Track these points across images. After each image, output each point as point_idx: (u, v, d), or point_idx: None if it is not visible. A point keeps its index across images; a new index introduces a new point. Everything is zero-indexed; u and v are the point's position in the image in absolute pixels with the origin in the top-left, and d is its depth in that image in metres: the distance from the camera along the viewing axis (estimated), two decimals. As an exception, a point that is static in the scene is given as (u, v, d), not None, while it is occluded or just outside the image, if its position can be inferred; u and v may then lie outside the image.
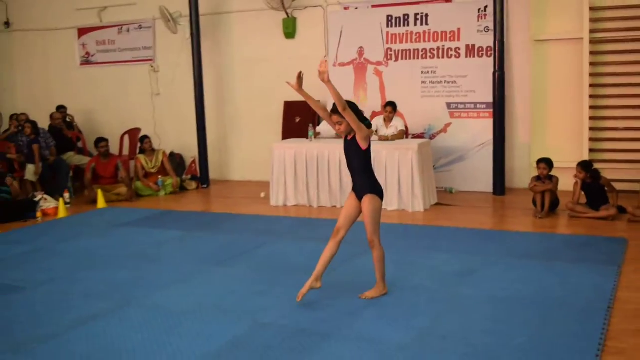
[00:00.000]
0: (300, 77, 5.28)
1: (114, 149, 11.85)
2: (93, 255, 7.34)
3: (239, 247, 7.37)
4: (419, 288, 5.75)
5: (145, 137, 11.34)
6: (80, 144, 12.50)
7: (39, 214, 9.49)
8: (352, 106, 5.18)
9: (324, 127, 10.17)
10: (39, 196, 9.91)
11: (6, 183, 9.52)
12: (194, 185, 11.56)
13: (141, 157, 11.20)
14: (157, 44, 12.82)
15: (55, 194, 10.28)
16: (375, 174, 5.48)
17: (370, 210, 5.29)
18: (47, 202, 9.82)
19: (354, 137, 5.26)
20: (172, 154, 12.18)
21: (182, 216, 9.37)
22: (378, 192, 5.35)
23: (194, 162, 12.17)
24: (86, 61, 13.63)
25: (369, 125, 5.37)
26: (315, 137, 9.89)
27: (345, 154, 5.44)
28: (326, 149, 9.45)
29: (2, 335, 4.98)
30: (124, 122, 12.79)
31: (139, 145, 11.62)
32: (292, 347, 4.54)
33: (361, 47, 11.06)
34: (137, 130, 12.53)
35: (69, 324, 5.19)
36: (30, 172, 10.70)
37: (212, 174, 12.03)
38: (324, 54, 11.22)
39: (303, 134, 10.33)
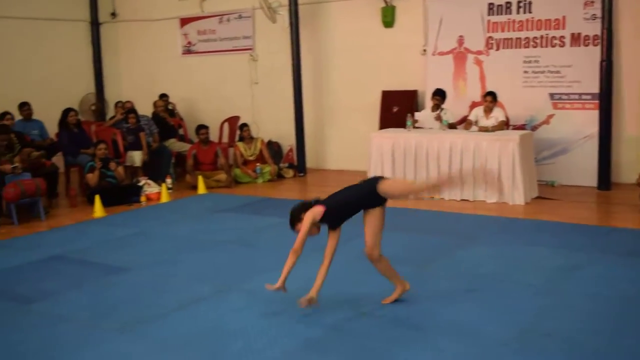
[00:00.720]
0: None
1: (213, 136, 12.10)
2: (194, 239, 7.54)
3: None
4: (520, 283, 5.62)
5: (245, 124, 11.53)
6: (181, 131, 12.83)
7: (142, 199, 9.84)
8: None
9: (423, 116, 10.07)
10: (142, 181, 10.28)
11: (110, 168, 9.87)
12: (290, 173, 11.68)
13: (240, 145, 11.41)
14: (256, 33, 12.99)
15: (158, 180, 10.63)
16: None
17: (379, 224, 5.21)
18: (150, 187, 10.17)
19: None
20: (269, 142, 12.35)
21: (280, 203, 9.45)
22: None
23: (291, 150, 12.30)
24: (187, 50, 13.96)
25: (315, 200, 5.10)
26: (413, 127, 9.80)
27: None
28: (424, 139, 9.35)
29: (109, 315, 5.19)
30: (223, 110, 13.04)
31: (238, 132, 11.84)
32: (391, 337, 4.53)
33: (461, 36, 10.86)
34: (236, 118, 12.77)
35: (173, 306, 5.35)
36: (137, 158, 11.07)
37: (309, 163, 12.12)
38: (422, 43, 11.11)
39: (400, 124, 10.26)
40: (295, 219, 5.01)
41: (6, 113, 10.40)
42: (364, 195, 5.06)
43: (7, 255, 7.24)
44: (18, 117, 10.96)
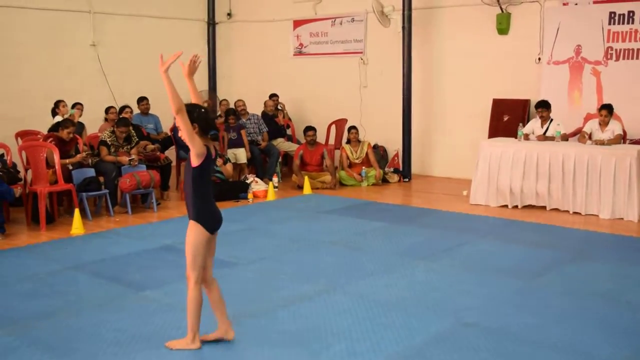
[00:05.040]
0: (194, 63, 4.42)
1: (320, 137, 12.22)
2: (299, 238, 7.64)
3: (441, 244, 7.33)
4: (634, 303, 5.39)
5: (353, 127, 11.59)
6: (289, 131, 13.01)
7: (250, 195, 10.05)
8: (191, 111, 4.21)
9: (531, 128, 9.82)
10: (250, 178, 10.50)
11: (217, 164, 10.12)
12: (395, 178, 11.65)
13: (347, 147, 11.47)
14: (367, 37, 13.02)
15: (265, 178, 10.84)
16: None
17: (189, 240, 4.40)
18: (257, 185, 10.39)
19: None
20: (375, 146, 12.35)
21: (384, 208, 9.47)
22: (203, 220, 4.38)
23: (397, 155, 12.26)
24: (299, 52, 14.15)
25: (214, 137, 4.52)
26: (525, 137, 9.57)
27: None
28: (535, 151, 9.10)
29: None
30: (331, 112, 13.14)
31: (345, 135, 11.89)
32: (500, 352, 4.43)
33: (578, 45, 10.53)
34: (344, 120, 12.84)
35: (278, 303, 5.44)
36: (242, 155, 11.31)
37: (414, 168, 12.05)
38: (537, 51, 10.84)
39: (510, 133, 10.04)
40: (188, 112, 4.14)
41: (126, 106, 10.87)
42: None
43: (121, 243, 7.56)
44: (136, 111, 11.43)
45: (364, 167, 11.29)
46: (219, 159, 10.21)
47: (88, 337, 4.77)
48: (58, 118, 10.29)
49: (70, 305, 5.49)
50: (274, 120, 12.51)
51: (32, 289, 5.96)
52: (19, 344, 4.69)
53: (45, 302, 5.57)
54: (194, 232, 4.38)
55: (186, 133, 4.13)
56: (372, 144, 12.01)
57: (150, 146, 10.19)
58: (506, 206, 9.26)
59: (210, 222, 4.40)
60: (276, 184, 10.66)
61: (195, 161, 4.26)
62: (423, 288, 5.80)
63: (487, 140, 10.21)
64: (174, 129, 11.08)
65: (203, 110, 4.34)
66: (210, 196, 4.47)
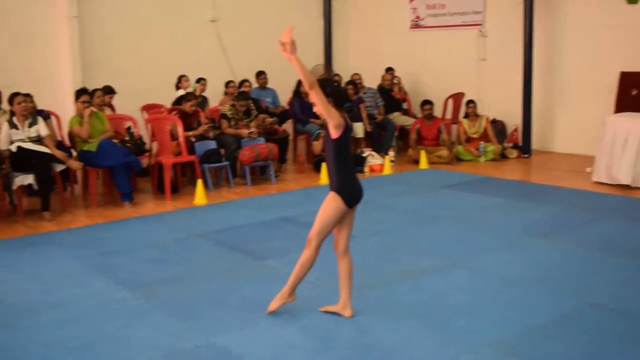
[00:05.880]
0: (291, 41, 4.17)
1: (437, 111, 12.05)
2: (417, 213, 7.61)
3: (563, 221, 7.11)
4: None
5: (471, 101, 11.37)
6: (405, 105, 12.91)
7: (366, 169, 10.08)
8: (325, 85, 4.29)
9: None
10: (366, 152, 10.51)
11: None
12: (514, 153, 11.35)
13: (464, 122, 11.27)
14: (487, 9, 12.68)
15: (381, 152, 10.83)
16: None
17: (324, 208, 4.45)
18: (374, 159, 10.39)
19: None
20: (494, 121, 12.06)
21: (503, 183, 9.26)
22: (344, 193, 4.42)
23: (516, 130, 11.93)
24: (416, 25, 13.96)
25: (349, 109, 4.50)
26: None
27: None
28: (667, 126, 8.64)
29: (335, 277, 5.34)
30: (448, 86, 12.92)
31: (462, 109, 11.69)
32: (631, 336, 4.26)
33: None
34: (461, 94, 12.62)
35: (397, 276, 5.45)
36: (359, 129, 11.32)
37: (534, 144, 11.69)
38: (671, 22, 10.25)
39: (639, 108, 9.56)
40: (321, 86, 4.23)
41: (245, 80, 11.09)
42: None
43: (242, 214, 7.76)
44: (255, 85, 11.64)
45: (482, 142, 11.07)
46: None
47: (213, 303, 4.95)
48: (180, 92, 10.63)
49: (195, 272, 5.70)
50: (390, 94, 12.44)
51: (159, 255, 6.23)
52: (149, 307, 4.92)
53: (171, 268, 5.82)
54: (331, 202, 4.45)
55: (322, 106, 4.21)
56: (491, 119, 11.74)
57: (269, 119, 10.37)
58: (629, 186, 8.81)
59: (350, 195, 4.46)
60: (392, 158, 10.63)
61: (334, 133, 4.32)
62: (545, 266, 5.66)
63: (613, 115, 9.76)
64: (292, 103, 11.23)
65: (336, 84, 4.42)
66: (352, 168, 4.53)
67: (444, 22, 13.45)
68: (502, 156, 11.22)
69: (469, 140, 11.19)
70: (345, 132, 4.34)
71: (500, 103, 12.34)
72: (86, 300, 5.08)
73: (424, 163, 10.49)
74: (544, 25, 11.63)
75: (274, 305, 4.66)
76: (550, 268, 5.60)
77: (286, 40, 4.12)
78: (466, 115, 11.39)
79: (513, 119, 12.03)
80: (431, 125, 11.14)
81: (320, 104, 4.20)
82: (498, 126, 12.13)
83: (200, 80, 11.03)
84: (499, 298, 4.92)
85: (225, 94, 11.41)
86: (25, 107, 7.94)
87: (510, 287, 5.13)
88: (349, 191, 4.44)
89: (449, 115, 12.68)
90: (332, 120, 4.27)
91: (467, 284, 5.24)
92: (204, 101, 10.71)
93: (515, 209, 7.73)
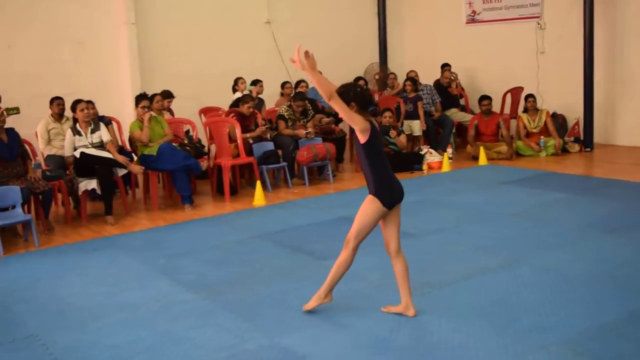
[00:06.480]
0: (307, 54, 4.32)
1: (495, 107, 11.87)
2: (478, 210, 7.51)
3: (629, 217, 6.90)
4: None
5: (530, 95, 11.16)
6: (462, 101, 12.76)
7: (424, 167, 9.99)
8: (346, 92, 4.30)
9: None
10: (424, 150, 10.42)
11: (390, 136, 10.12)
12: (576, 147, 11.10)
13: (524, 116, 11.08)
14: (545, 0, 12.43)
15: (439, 149, 10.73)
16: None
17: (363, 210, 4.48)
18: (432, 156, 10.30)
19: None
20: (554, 114, 11.81)
21: (565, 178, 9.07)
22: (382, 196, 4.40)
23: (577, 123, 11.66)
24: (472, 19, 13.78)
25: (374, 112, 4.47)
26: None
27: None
28: None
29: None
30: (506, 80, 12.71)
31: (521, 104, 11.49)
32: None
33: None
34: (520, 89, 12.40)
35: (460, 274, 5.37)
36: (416, 127, 11.25)
37: (597, 137, 11.40)
38: None
39: None
40: (340, 93, 4.26)
41: (301, 81, 11.13)
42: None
43: (300, 214, 7.79)
44: (311, 85, 11.65)
45: (542, 137, 10.86)
46: (392, 131, 10.21)
47: (275, 304, 4.97)
48: (237, 94, 10.72)
49: (256, 273, 5.74)
50: (447, 91, 12.31)
51: (221, 257, 6.29)
52: (213, 308, 4.97)
53: (233, 270, 5.87)
54: (370, 205, 4.45)
55: (344, 114, 4.22)
56: (551, 112, 11.51)
57: (325, 119, 10.38)
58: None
59: (389, 197, 4.43)
60: (451, 155, 10.51)
61: (362, 138, 4.32)
62: (612, 263, 5.50)
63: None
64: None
65: (359, 88, 4.43)
66: (387, 169, 4.49)
67: (501, 15, 13.24)
68: (564, 150, 10.98)
69: (528, 135, 11.00)
70: (372, 135, 4.32)
71: (561, 96, 12.07)
72: (151, 302, 5.16)
73: (482, 159, 10.35)
74: (605, 14, 11.35)
75: (310, 305, 4.69)
76: (619, 265, 5.44)
77: (295, 58, 4.25)
78: (525, 110, 11.19)
79: (574, 112, 11.76)
80: (490, 121, 10.98)
81: (341, 112, 4.20)
82: (559, 120, 11.88)
83: (256, 82, 11.10)
84: (566, 296, 4.80)
85: (282, 95, 11.46)
86: (87, 114, 8.12)
87: (578, 285, 5.01)
88: (388, 192, 4.43)
89: (507, 110, 12.48)
90: (357, 125, 4.27)
91: (532, 281, 5.13)
92: (260, 103, 10.78)
93: (579, 205, 7.55)
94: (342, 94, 4.26)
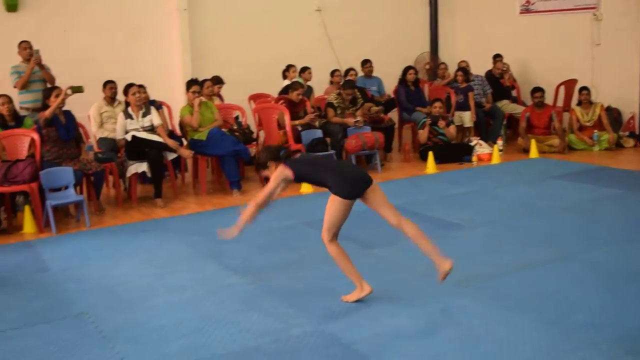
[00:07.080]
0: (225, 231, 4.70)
1: (548, 99, 11.66)
2: (527, 203, 7.39)
3: (689, 214, 6.74)
4: None
5: (584, 88, 10.92)
6: (514, 93, 12.56)
7: (474, 158, 9.88)
8: (261, 163, 4.69)
9: None
10: (474, 141, 10.30)
11: (439, 126, 10.02)
12: (631, 142, 10.83)
13: (577, 109, 10.86)
14: (602, -9, 12.16)
15: (490, 140, 10.59)
16: None
17: (327, 208, 4.60)
18: (482, 148, 10.17)
19: None
20: (609, 108, 11.54)
21: (619, 174, 8.86)
22: (336, 190, 4.53)
23: (632, 117, 11.38)
24: (526, 10, 13.53)
25: (286, 154, 4.61)
26: None
27: None
28: None
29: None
30: (560, 72, 12.45)
31: (574, 96, 11.26)
32: None
33: None
34: (574, 81, 12.14)
35: (507, 267, 5.31)
36: (467, 118, 11.12)
37: (653, 132, 11.15)
38: None
39: None
40: (260, 164, 4.72)
41: (350, 69, 11.09)
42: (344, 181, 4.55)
43: (349, 202, 7.74)
44: (360, 73, 11.62)
45: (596, 131, 10.63)
46: (442, 121, 10.12)
47: (320, 290, 4.98)
48: (287, 81, 10.74)
49: (303, 259, 5.76)
50: (499, 82, 12.13)
51: (267, 242, 6.33)
52: (259, 292, 5.01)
53: (280, 255, 5.90)
54: (330, 202, 4.57)
55: (274, 176, 4.52)
56: (605, 106, 11.26)
57: (375, 108, 10.34)
58: None
59: (343, 190, 4.52)
60: (501, 147, 10.36)
61: (292, 177, 4.55)
62: (668, 260, 5.38)
63: None
64: (398, 91, 11.15)
65: (263, 148, 5.07)
66: (331, 168, 4.67)
67: (556, 6, 12.97)
68: (618, 145, 10.73)
69: (581, 128, 10.77)
70: (295, 166, 4.54)
71: (616, 89, 11.79)
72: (199, 284, 5.23)
73: (534, 152, 10.18)
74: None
75: (349, 298, 4.75)
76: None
77: (225, 236, 4.55)
78: (579, 103, 10.96)
79: (629, 106, 11.47)
80: (542, 113, 10.79)
81: (273, 179, 4.50)
82: (613, 114, 11.59)
83: (306, 69, 11.10)
84: (618, 293, 4.70)
85: (331, 82, 11.43)
86: (139, 98, 8.23)
87: (631, 282, 4.89)
88: (340, 186, 4.51)
89: (560, 103, 12.23)
90: (284, 177, 4.51)
91: (583, 277, 5.04)
92: (309, 90, 10.77)
93: (632, 201, 7.38)
94: (260, 165, 4.69)
